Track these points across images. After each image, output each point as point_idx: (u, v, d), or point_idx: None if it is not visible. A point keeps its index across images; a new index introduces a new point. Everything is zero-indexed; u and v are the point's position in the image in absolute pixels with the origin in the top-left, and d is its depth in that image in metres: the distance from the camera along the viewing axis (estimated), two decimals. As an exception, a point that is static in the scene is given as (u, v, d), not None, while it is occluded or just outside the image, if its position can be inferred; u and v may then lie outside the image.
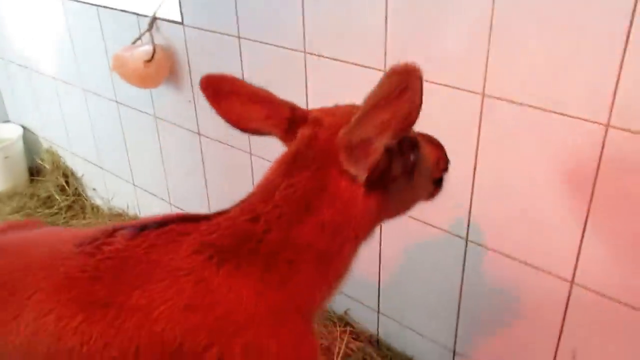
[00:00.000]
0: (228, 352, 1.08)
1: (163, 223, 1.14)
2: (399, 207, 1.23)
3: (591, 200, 1.51)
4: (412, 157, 1.15)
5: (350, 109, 1.15)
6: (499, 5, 1.48)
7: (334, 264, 1.15)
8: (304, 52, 1.94)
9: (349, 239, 1.15)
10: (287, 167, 1.13)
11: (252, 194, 1.15)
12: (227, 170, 2.49)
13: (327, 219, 1.10)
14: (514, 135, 1.60)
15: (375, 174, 1.07)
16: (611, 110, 1.40)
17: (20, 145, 3.66)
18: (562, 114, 1.48)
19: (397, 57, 1.70)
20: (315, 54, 1.92)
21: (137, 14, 2.48)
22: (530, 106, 1.53)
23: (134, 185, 3.06)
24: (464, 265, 1.87)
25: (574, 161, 1.52)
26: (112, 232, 1.15)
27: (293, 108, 1.19)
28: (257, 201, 1.13)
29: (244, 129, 1.22)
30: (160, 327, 1.07)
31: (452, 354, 2.07)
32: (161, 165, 2.81)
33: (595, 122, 1.43)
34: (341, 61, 1.86)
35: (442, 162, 1.29)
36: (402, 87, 0.95)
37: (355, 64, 1.83)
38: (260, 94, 1.20)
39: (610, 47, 1.35)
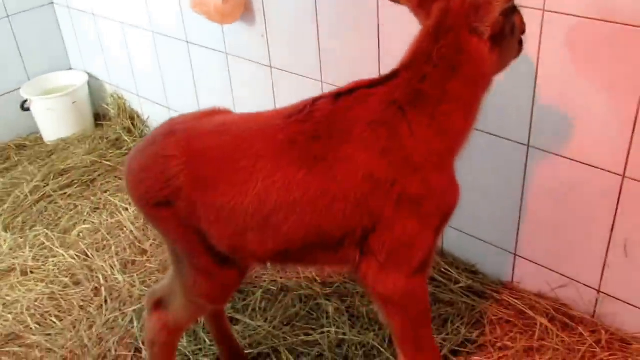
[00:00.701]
0: (407, 185, 1.53)
1: (352, 90, 1.59)
2: (504, 62, 1.67)
3: (640, 99, 1.87)
4: (513, 20, 1.57)
5: None
6: None
7: (473, 112, 1.61)
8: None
9: (482, 89, 1.60)
10: (434, 35, 1.54)
11: (411, 59, 1.58)
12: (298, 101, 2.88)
13: (469, 73, 1.54)
14: (571, 45, 1.95)
15: (496, 30, 1.50)
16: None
17: (86, 90, 4.10)
18: (614, 22, 1.83)
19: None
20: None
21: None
22: (587, 18, 1.88)
23: (202, 123, 3.48)
24: (525, 170, 2.24)
25: (626, 65, 1.87)
26: (314, 103, 1.59)
27: None
28: (420, 64, 1.55)
29: None
30: (364, 170, 1.52)
31: (513, 257, 2.45)
32: (231, 100, 3.22)
33: (644, 26, 1.79)
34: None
35: (523, 25, 1.69)
36: None
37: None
38: None
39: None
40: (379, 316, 2.05)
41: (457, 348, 2.29)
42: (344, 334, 2.39)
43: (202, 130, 1.69)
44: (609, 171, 2.03)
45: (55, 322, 2.64)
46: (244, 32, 2.94)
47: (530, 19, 1.97)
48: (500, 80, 2.12)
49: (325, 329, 2.42)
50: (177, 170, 1.61)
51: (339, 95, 1.59)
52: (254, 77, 3.02)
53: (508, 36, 1.58)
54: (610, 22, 1.83)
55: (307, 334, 2.42)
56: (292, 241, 1.61)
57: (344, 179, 1.53)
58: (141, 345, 2.43)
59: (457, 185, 1.66)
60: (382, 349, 2.30)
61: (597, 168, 2.05)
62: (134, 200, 1.77)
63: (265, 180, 1.54)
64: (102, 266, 2.90)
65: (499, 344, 2.31)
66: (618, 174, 2.01)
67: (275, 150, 1.56)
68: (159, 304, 1.94)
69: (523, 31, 1.69)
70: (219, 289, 1.80)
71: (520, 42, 1.71)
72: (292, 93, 2.89)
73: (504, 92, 2.13)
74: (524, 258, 2.43)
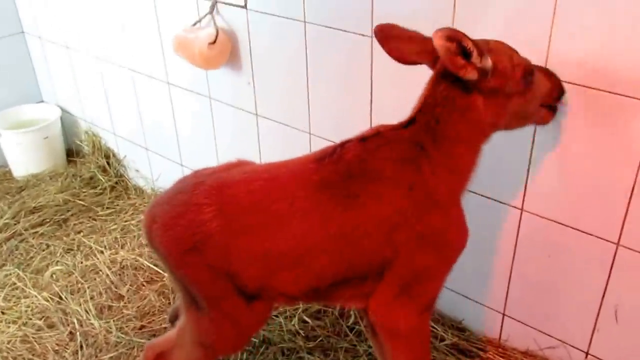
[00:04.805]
0: (431, 222, 1.64)
1: (376, 133, 1.70)
2: (514, 119, 1.78)
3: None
4: (525, 82, 1.68)
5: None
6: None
7: (478, 154, 1.73)
8: (372, 37, 2.29)
9: (484, 135, 1.73)
10: (437, 80, 1.70)
11: (423, 104, 1.71)
12: (284, 151, 2.84)
13: (472, 117, 1.66)
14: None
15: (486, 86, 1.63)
16: None
17: (58, 125, 4.00)
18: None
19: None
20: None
21: (197, -2, 2.83)
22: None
23: (181, 166, 3.42)
24: (517, 232, 2.25)
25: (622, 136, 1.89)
26: (342, 146, 1.70)
27: None
28: (431, 107, 1.69)
29: (404, 62, 1.80)
30: (394, 205, 1.63)
31: (501, 316, 2.45)
32: (214, 147, 3.17)
33: None
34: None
35: (556, 92, 1.83)
36: None
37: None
38: (415, 35, 1.76)
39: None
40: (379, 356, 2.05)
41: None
42: (328, 389, 2.37)
43: (232, 178, 1.76)
44: (602, 238, 2.04)
45: (28, 367, 2.59)
46: (229, 78, 2.90)
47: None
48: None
49: (308, 383, 2.39)
50: (209, 217, 1.66)
51: (365, 139, 1.71)
52: (238, 124, 2.98)
53: (515, 95, 1.68)
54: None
55: (288, 388, 2.40)
56: (323, 278, 1.71)
57: (375, 214, 1.63)
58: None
59: (466, 223, 1.77)
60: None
61: (591, 235, 2.06)
62: (159, 248, 1.77)
63: (302, 220, 1.64)
64: (77, 310, 2.84)
65: (483, 402, 2.31)
66: (612, 242, 2.02)
67: (311, 191, 1.66)
68: (160, 358, 1.95)
69: (556, 96, 1.84)
70: (241, 333, 1.84)
71: (551, 108, 1.87)
72: (278, 142, 2.86)
73: (498, 154, 2.14)
74: (513, 318, 2.43)
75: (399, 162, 1.65)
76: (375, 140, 1.70)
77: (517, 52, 1.71)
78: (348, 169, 1.66)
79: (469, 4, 2.01)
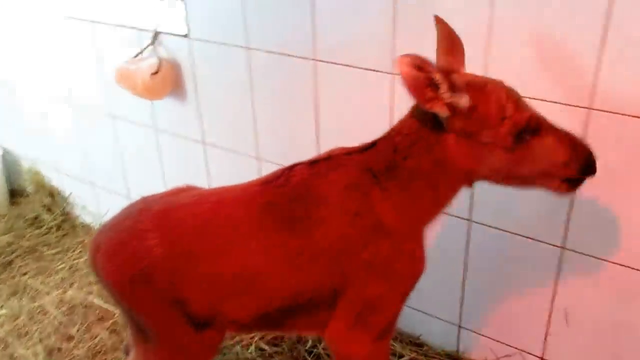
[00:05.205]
0: (378, 250, 1.61)
1: (328, 157, 1.68)
2: (497, 174, 1.60)
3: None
4: (516, 138, 1.50)
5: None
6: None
7: (442, 194, 1.65)
8: (314, 59, 2.36)
9: (453, 176, 1.61)
10: (410, 112, 1.62)
11: (392, 130, 1.64)
12: (233, 178, 2.85)
13: (438, 156, 1.56)
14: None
15: (459, 128, 1.51)
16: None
17: (-1, 166, 3.97)
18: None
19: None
20: (325, 61, 2.34)
21: (138, 29, 2.85)
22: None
23: (129, 199, 3.41)
24: (467, 244, 2.32)
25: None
26: (291, 169, 1.68)
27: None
28: (396, 135, 1.61)
29: None
30: (338, 232, 1.60)
31: (457, 328, 2.51)
32: (162, 178, 3.19)
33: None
34: (350, 66, 2.29)
35: (575, 165, 1.55)
36: None
37: (365, 69, 2.26)
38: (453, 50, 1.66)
39: None
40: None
41: None
42: None
43: (178, 203, 1.75)
44: (548, 243, 2.13)
45: (-24, 417, 2.54)
46: (174, 108, 2.93)
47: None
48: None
49: None
50: (154, 243, 1.65)
51: (315, 162, 1.69)
52: (186, 153, 3.01)
53: (497, 148, 1.51)
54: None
55: None
56: (271, 303, 1.69)
57: (320, 239, 1.61)
58: None
59: (424, 253, 1.73)
60: None
61: (537, 240, 2.15)
62: (104, 276, 1.75)
63: (247, 243, 1.63)
64: (25, 354, 2.79)
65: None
66: (557, 246, 2.11)
67: (256, 214, 1.65)
68: None
69: (571, 170, 1.56)
70: None
71: (573, 181, 1.61)
72: (226, 169, 2.90)
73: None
74: (468, 329, 2.49)
75: (346, 188, 1.62)
76: (325, 163, 1.67)
77: (519, 103, 1.52)
78: (294, 192, 1.64)
79: (408, 30, 2.10)
